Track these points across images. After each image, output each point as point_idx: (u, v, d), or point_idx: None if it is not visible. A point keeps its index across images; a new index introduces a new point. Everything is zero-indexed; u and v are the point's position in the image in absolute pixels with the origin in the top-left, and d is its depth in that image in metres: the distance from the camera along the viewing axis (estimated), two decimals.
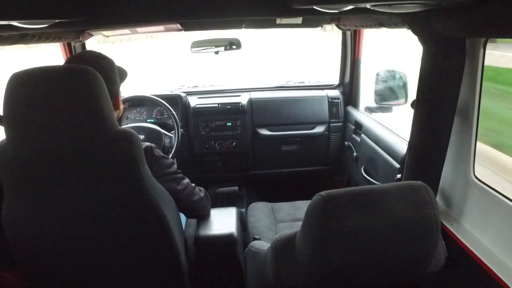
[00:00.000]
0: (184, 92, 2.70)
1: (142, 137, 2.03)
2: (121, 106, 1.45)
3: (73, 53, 2.17)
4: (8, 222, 1.16)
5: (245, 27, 2.10)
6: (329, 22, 2.24)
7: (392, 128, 2.10)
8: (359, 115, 2.51)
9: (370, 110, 2.53)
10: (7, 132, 1.04)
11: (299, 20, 1.99)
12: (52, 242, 1.20)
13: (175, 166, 1.42)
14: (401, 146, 1.81)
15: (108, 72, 1.29)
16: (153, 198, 1.16)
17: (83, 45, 2.28)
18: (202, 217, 1.66)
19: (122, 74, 1.44)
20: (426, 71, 1.30)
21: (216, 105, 2.61)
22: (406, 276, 1.07)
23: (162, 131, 2.10)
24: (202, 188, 1.59)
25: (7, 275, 1.32)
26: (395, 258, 0.98)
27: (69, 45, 2.16)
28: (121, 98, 2.11)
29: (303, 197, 2.19)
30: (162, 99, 2.17)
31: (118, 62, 1.41)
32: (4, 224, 1.16)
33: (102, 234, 1.20)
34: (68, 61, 1.31)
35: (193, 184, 1.51)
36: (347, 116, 2.67)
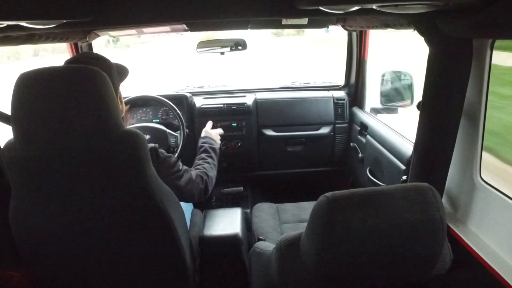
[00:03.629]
0: (189, 93, 2.70)
1: (148, 137, 2.04)
2: (123, 106, 1.43)
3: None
4: (16, 220, 1.17)
5: (251, 28, 2.10)
6: (335, 23, 2.23)
7: (398, 129, 2.10)
8: (365, 116, 2.50)
9: (375, 111, 2.52)
10: (15, 131, 1.05)
11: (304, 20, 1.99)
12: (58, 241, 1.21)
13: (179, 162, 1.43)
14: (407, 147, 1.80)
15: (106, 73, 1.29)
16: (159, 199, 1.16)
17: (90, 45, 2.30)
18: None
19: (123, 71, 1.43)
20: (432, 72, 1.29)
21: (222, 105, 2.61)
22: (412, 278, 1.07)
23: (168, 130, 2.11)
24: (204, 177, 1.56)
25: (15, 274, 1.33)
26: (401, 260, 0.97)
27: (76, 45, 2.17)
28: (128, 99, 2.13)
29: (308, 198, 2.19)
30: (168, 99, 2.18)
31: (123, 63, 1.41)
32: (12, 222, 1.17)
33: (107, 233, 1.21)
34: (66, 64, 1.29)
35: (193, 173, 1.50)
36: (352, 117, 2.66)
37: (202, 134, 1.88)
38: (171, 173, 1.37)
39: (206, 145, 1.75)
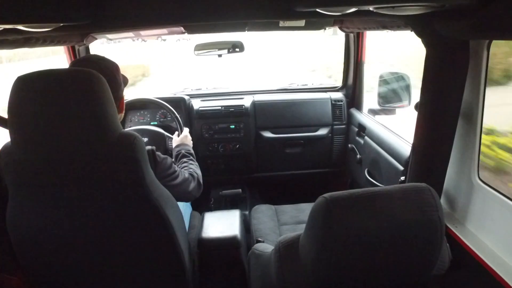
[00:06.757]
0: (187, 95, 2.71)
1: (145, 139, 2.03)
2: (123, 110, 1.46)
3: (77, 56, 2.19)
4: (13, 224, 1.16)
5: (248, 30, 2.11)
6: (332, 25, 2.24)
7: (396, 129, 2.10)
8: (363, 117, 2.51)
9: (373, 112, 2.53)
10: (12, 134, 1.05)
11: (302, 22, 1.99)
12: (55, 244, 1.20)
13: (173, 163, 1.44)
14: (405, 148, 1.81)
15: (115, 74, 1.32)
16: (157, 201, 1.16)
17: (87, 49, 2.30)
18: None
19: (124, 79, 1.46)
20: (429, 73, 1.30)
21: (220, 107, 2.62)
22: (411, 279, 1.07)
23: (166, 133, 2.11)
24: (194, 175, 1.57)
25: (13, 278, 1.33)
26: (399, 260, 0.97)
27: (73, 48, 2.17)
28: (125, 101, 2.13)
29: (306, 199, 2.19)
30: (166, 102, 2.18)
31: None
32: (9, 226, 1.17)
33: (106, 237, 1.20)
34: (74, 64, 1.32)
35: (185, 173, 1.51)
36: (350, 119, 2.67)
37: (174, 144, 1.88)
38: (167, 175, 1.38)
39: (182, 151, 1.76)
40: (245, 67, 11.56)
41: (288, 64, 13.17)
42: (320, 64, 12.09)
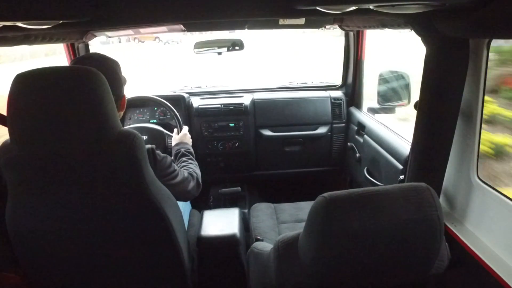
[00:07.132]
0: (187, 93, 2.70)
1: (145, 137, 2.03)
2: (124, 109, 1.46)
3: (77, 54, 2.18)
4: (12, 222, 1.16)
5: (248, 28, 2.10)
6: (332, 23, 2.23)
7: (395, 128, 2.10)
8: (362, 116, 2.51)
9: (373, 111, 2.53)
10: (11, 132, 1.05)
11: (302, 21, 1.99)
12: (55, 242, 1.20)
13: (173, 162, 1.44)
14: (404, 147, 1.81)
15: (117, 72, 1.33)
16: (156, 199, 1.16)
17: (87, 46, 2.29)
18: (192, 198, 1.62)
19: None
20: (429, 72, 1.30)
21: (219, 105, 2.62)
22: (409, 278, 1.07)
23: (165, 131, 2.10)
24: (194, 174, 1.58)
25: (11, 275, 1.33)
26: (398, 259, 0.97)
27: (72, 45, 2.16)
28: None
29: (305, 198, 2.19)
30: (165, 99, 2.18)
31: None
32: (8, 223, 1.16)
33: (105, 234, 1.20)
34: (76, 62, 1.32)
35: (184, 172, 1.51)
36: (350, 117, 2.67)
37: (174, 142, 1.88)
38: (167, 174, 1.38)
39: (182, 149, 1.76)
40: (246, 65, 11.54)
41: (286, 63, 13.17)
42: (316, 63, 12.15)
